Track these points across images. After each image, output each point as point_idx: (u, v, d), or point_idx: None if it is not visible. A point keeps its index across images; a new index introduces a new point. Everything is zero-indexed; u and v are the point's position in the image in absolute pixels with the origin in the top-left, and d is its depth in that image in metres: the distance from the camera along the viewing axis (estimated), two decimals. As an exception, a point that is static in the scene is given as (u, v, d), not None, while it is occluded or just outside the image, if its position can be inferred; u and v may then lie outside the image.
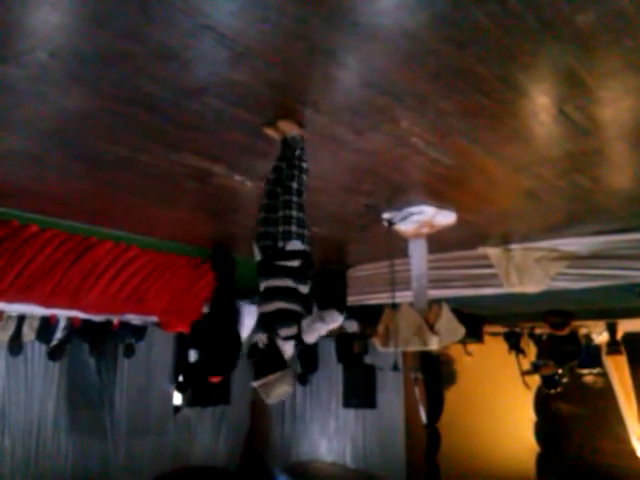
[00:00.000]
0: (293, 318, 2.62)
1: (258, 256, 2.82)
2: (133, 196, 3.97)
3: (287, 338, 2.59)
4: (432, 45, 2.20)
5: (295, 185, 2.82)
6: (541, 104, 2.67)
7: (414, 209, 4.08)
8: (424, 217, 4.15)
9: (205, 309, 5.87)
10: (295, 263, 2.72)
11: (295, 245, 2.74)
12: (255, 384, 2.61)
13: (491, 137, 3.02)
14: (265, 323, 2.66)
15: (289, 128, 2.84)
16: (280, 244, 2.74)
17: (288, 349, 2.61)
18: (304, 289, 2.73)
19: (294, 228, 2.76)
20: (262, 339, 2.61)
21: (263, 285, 2.74)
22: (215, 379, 6.26)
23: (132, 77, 2.37)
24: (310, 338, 2.66)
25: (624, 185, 3.78)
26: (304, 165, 2.87)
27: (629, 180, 3.71)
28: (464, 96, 2.58)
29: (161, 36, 2.10)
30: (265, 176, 2.95)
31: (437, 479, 9.29)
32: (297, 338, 2.61)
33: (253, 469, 10.35)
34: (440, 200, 4.02)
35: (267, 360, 2.58)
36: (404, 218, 4.15)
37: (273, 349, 2.58)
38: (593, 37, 2.14)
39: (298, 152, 2.86)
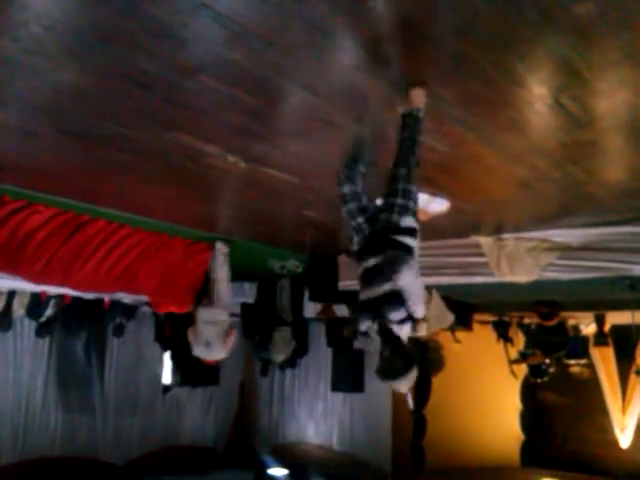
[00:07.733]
0: (401, 299, 2.33)
1: (364, 231, 2.62)
2: (126, 174, 3.94)
3: (400, 322, 2.33)
4: (430, 31, 2.18)
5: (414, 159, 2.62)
6: (537, 94, 2.67)
7: (408, 196, 4.07)
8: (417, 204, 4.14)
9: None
10: (409, 241, 2.53)
11: (409, 222, 2.56)
12: (398, 386, 2.44)
13: (486, 125, 3.01)
14: (372, 309, 2.38)
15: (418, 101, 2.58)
16: (395, 218, 2.53)
17: (404, 334, 2.35)
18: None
19: (411, 204, 2.59)
20: (373, 327, 2.36)
21: (365, 265, 2.51)
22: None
23: (127, 54, 2.35)
24: (420, 312, 2.38)
25: (617, 178, 3.79)
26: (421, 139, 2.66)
27: (623, 173, 3.72)
28: (461, 83, 2.57)
29: (158, 13, 2.07)
30: (261, 157, 2.92)
31: (422, 464, 9.41)
32: (410, 318, 2.34)
33: (240, 450, 10.44)
34: (434, 188, 4.02)
35: (396, 353, 2.32)
36: (397, 205, 4.14)
37: (394, 339, 2.33)
38: (591, 28, 2.13)
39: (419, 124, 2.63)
